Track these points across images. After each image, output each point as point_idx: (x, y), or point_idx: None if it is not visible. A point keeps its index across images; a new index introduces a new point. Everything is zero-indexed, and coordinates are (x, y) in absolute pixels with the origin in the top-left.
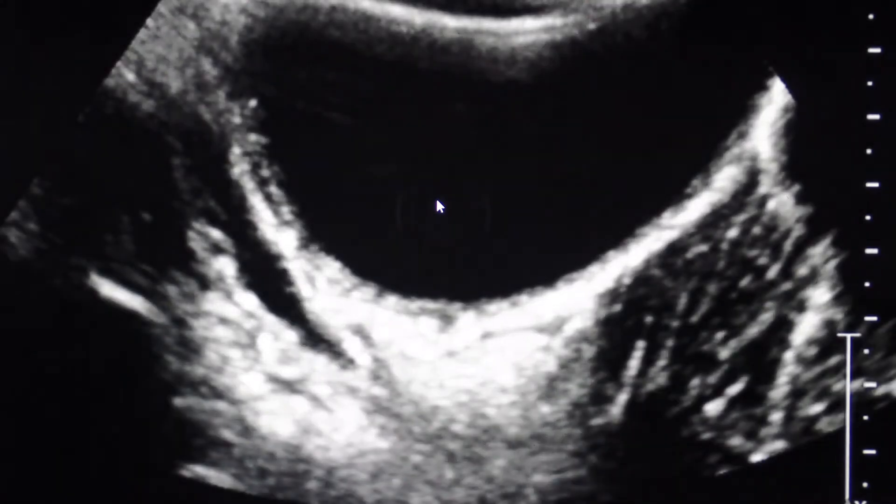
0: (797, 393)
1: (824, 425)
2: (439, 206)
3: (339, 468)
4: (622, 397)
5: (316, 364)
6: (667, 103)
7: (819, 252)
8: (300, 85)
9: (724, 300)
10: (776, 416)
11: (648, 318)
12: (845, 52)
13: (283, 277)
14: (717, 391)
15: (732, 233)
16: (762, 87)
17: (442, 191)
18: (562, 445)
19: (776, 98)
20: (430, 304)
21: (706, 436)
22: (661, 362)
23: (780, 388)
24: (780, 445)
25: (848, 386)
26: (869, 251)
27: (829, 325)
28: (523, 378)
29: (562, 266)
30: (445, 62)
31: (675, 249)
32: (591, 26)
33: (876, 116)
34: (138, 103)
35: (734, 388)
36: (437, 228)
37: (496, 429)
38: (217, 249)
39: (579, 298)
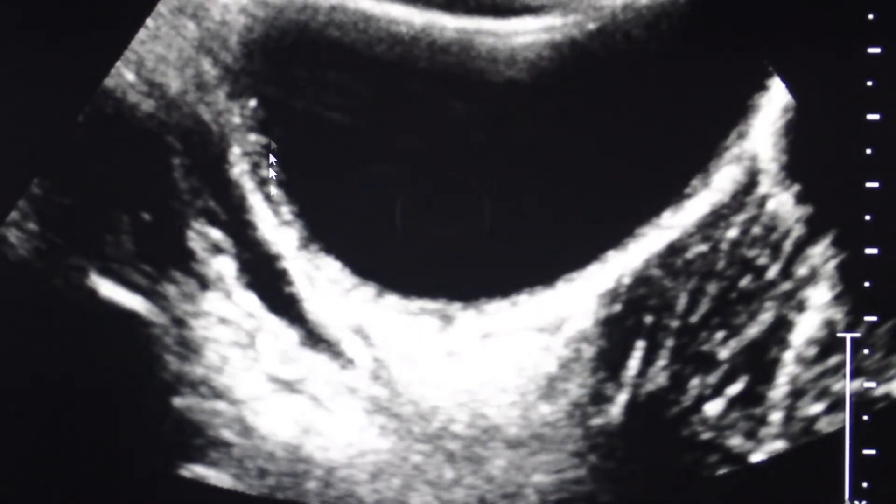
0: (797, 393)
1: (824, 425)
2: (439, 206)
3: (339, 468)
4: (622, 397)
5: (316, 364)
6: (667, 103)
7: (819, 252)
8: (300, 85)
9: (724, 300)
10: (776, 416)
11: (648, 318)
12: (845, 52)
13: (283, 277)
14: (717, 391)
15: (732, 233)
16: (762, 87)
17: (442, 191)
18: (561, 445)
19: (776, 98)
20: (430, 304)
21: (706, 436)
22: (661, 362)
23: (779, 388)
24: (780, 445)
25: (847, 386)
26: (869, 251)
27: (829, 325)
28: (523, 378)
29: (562, 266)
30: (445, 62)
31: (675, 249)
32: (591, 26)
33: (876, 116)
34: (138, 103)
35: (734, 388)
36: (436, 228)
37: (496, 429)
38: (217, 249)
39: (579, 298)
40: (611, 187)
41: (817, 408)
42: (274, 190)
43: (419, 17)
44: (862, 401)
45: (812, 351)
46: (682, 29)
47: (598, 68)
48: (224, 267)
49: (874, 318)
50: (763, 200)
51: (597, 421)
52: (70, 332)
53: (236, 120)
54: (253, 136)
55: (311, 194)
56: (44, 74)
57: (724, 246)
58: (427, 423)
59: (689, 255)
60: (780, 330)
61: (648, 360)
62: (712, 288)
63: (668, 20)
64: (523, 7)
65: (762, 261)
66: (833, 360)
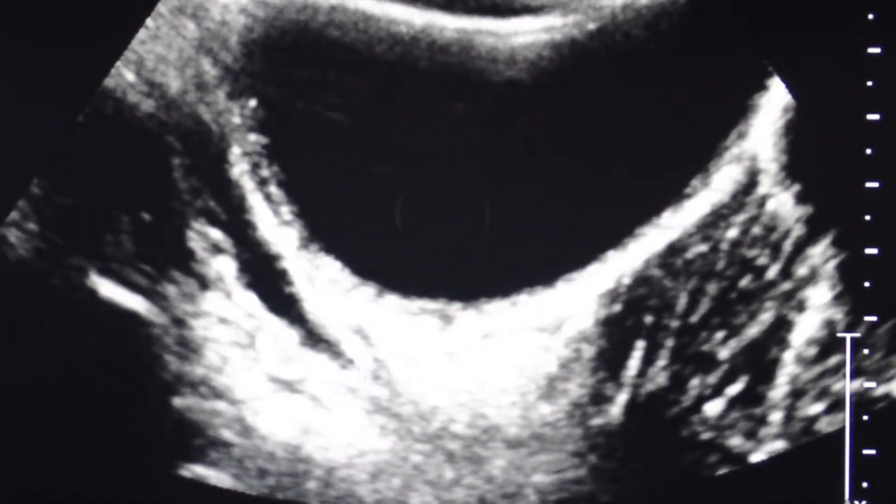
0: (797, 393)
1: (824, 425)
2: (439, 206)
3: (338, 468)
4: (622, 397)
5: (316, 364)
6: (667, 103)
7: (819, 252)
8: (300, 85)
9: (723, 300)
10: (776, 416)
11: (648, 318)
12: (845, 52)
13: (283, 277)
14: (717, 391)
15: (732, 233)
16: (762, 87)
17: (442, 191)
18: (562, 445)
19: (776, 98)
20: (430, 304)
21: (706, 436)
22: (661, 362)
23: (779, 388)
24: (780, 445)
25: (847, 386)
26: (869, 251)
27: (829, 325)
28: (523, 378)
29: (562, 266)
30: (445, 62)
31: (675, 249)
32: (591, 26)
33: (876, 116)
34: (138, 103)
35: (734, 388)
36: (436, 228)
37: (496, 429)
38: (217, 249)
39: (579, 298)
40: (611, 187)
41: (817, 408)
42: (274, 188)
43: (419, 17)
44: (862, 401)
45: (812, 351)
46: (682, 29)
47: (598, 68)
48: (224, 267)
49: (874, 318)
50: (763, 200)
51: (597, 421)
52: (70, 332)
53: (236, 120)
54: (253, 136)
55: (311, 194)
56: (44, 74)
57: (724, 246)
58: (427, 423)
59: (689, 255)
60: (780, 330)
61: (648, 360)
62: (712, 288)
63: (668, 20)
64: (523, 7)
65: (762, 261)
66: (833, 360)
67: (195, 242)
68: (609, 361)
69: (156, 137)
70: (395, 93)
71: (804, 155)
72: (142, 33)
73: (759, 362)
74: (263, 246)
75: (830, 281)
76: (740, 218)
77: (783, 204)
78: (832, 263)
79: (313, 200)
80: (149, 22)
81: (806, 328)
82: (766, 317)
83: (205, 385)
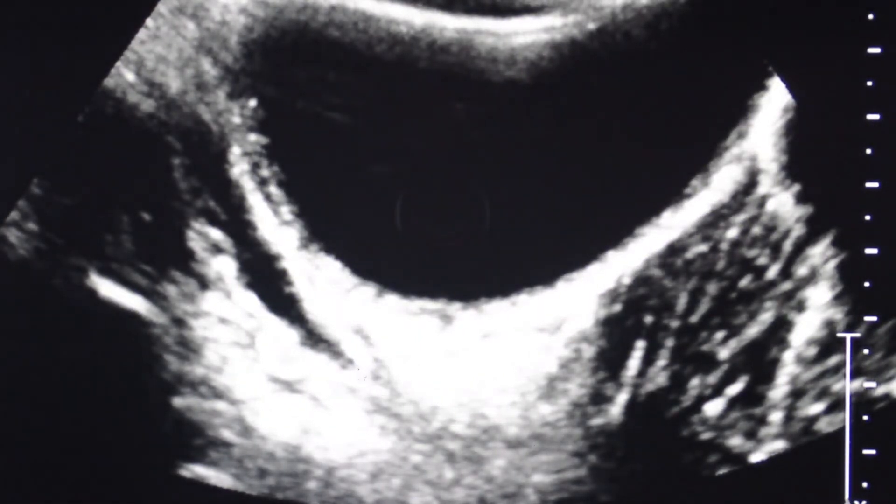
0: (797, 393)
1: (824, 425)
2: (439, 206)
3: (338, 468)
4: (622, 397)
5: (316, 364)
6: (667, 103)
7: (819, 252)
8: (300, 85)
9: (723, 300)
10: (776, 416)
11: (648, 318)
12: (845, 52)
13: (283, 277)
14: (717, 391)
15: (732, 233)
16: (762, 87)
17: (442, 191)
18: (561, 445)
19: (776, 98)
20: (430, 304)
21: (706, 436)
22: (661, 362)
23: (779, 388)
24: (779, 445)
25: (847, 386)
26: (869, 251)
27: (829, 325)
28: (523, 378)
29: (562, 266)
30: (445, 62)
31: (675, 249)
32: (591, 26)
33: (876, 116)
34: (138, 103)
35: (734, 388)
36: (436, 228)
37: (496, 429)
38: (217, 249)
39: (579, 298)
40: (611, 187)
41: (817, 408)
42: (274, 188)
43: (419, 17)
44: (862, 401)
45: (812, 351)
46: (682, 29)
47: (598, 68)
48: (224, 267)
49: (874, 318)
50: (763, 200)
51: (597, 421)
52: (70, 332)
53: (236, 120)
54: (253, 136)
55: (311, 194)
56: (44, 74)
57: (724, 246)
58: (427, 423)
59: (689, 255)
60: (780, 330)
61: (648, 360)
62: (712, 288)
63: (668, 20)
64: (523, 7)
65: (762, 261)
66: (833, 360)
67: (195, 242)
68: (609, 361)
69: (156, 137)
70: (395, 93)
71: (804, 155)
72: (142, 33)
73: (759, 362)
74: (263, 246)
75: (830, 281)
76: (740, 218)
77: (783, 204)
78: (832, 263)
79: (313, 200)
80: (149, 22)
81: (806, 328)
82: (766, 317)
83: (205, 385)
